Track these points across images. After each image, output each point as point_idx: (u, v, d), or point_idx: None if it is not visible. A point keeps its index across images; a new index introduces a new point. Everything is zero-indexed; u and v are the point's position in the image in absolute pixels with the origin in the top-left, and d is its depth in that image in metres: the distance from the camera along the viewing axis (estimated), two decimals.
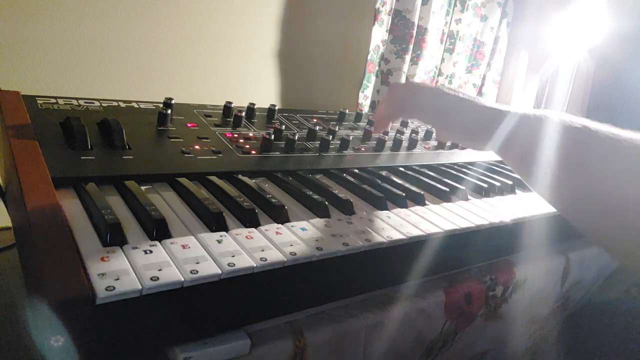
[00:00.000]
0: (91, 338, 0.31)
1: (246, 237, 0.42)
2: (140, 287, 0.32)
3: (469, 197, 0.64)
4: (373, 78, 1.31)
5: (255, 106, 0.74)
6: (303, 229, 0.46)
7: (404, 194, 0.58)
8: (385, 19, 1.27)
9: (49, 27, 0.86)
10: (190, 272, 0.35)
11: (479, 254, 0.60)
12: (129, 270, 0.34)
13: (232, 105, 0.72)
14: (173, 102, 0.66)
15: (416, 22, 1.30)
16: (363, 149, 0.73)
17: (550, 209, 0.66)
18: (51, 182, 0.42)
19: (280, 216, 0.47)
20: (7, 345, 0.45)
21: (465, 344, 0.64)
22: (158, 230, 0.40)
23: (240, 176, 0.55)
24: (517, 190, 0.71)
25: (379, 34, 1.27)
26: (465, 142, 0.57)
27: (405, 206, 0.57)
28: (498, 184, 0.70)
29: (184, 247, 0.38)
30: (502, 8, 1.52)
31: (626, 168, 0.39)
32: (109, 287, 0.31)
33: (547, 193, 0.46)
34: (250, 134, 0.67)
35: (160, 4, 0.98)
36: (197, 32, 1.04)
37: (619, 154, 0.40)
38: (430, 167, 0.74)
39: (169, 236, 0.40)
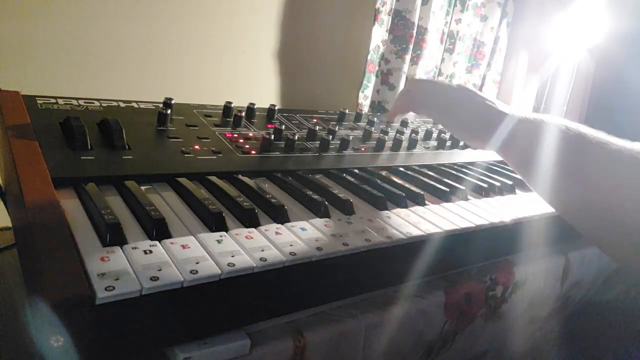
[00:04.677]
0: (91, 338, 0.31)
1: (246, 237, 0.42)
2: (140, 287, 0.32)
3: (469, 197, 0.64)
4: (373, 78, 1.31)
5: (255, 106, 0.74)
6: (303, 229, 0.46)
7: (404, 194, 0.58)
8: (385, 19, 1.27)
9: (49, 27, 0.86)
10: (190, 272, 0.35)
11: (479, 254, 0.60)
12: (129, 270, 0.34)
13: (232, 105, 0.72)
14: (173, 102, 0.66)
15: (416, 22, 1.30)
16: (363, 149, 0.73)
17: (550, 209, 0.66)
18: (51, 182, 0.42)
19: (280, 216, 0.47)
20: (7, 344, 0.45)
21: (465, 344, 0.64)
22: (158, 230, 0.40)
23: (240, 176, 0.55)
24: (517, 190, 0.71)
25: (379, 34, 1.27)
26: (467, 141, 0.59)
27: (405, 206, 0.57)
28: (498, 184, 0.70)
29: (183, 247, 0.38)
30: (502, 8, 1.52)
31: (620, 176, 0.41)
32: (108, 287, 0.31)
33: (546, 195, 0.48)
34: (250, 134, 0.67)
35: (160, 4, 0.98)
36: (197, 32, 1.04)
37: (613, 162, 0.42)
38: (430, 167, 0.74)
39: (168, 236, 0.40)
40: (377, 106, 1.34)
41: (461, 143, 0.88)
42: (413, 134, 0.80)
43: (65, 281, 0.30)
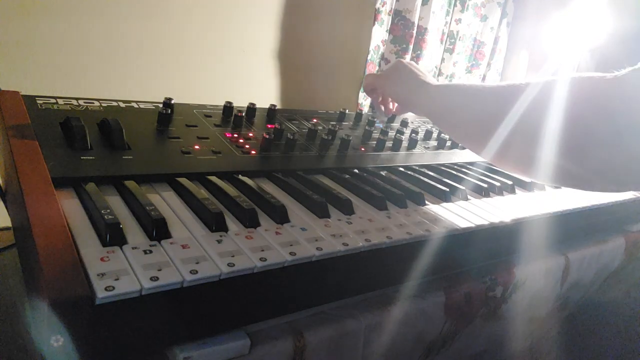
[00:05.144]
0: (91, 338, 0.31)
1: (246, 237, 0.42)
2: (139, 287, 0.32)
3: (469, 197, 0.64)
4: None
5: (255, 106, 0.74)
6: (303, 229, 0.46)
7: (403, 194, 0.58)
8: (385, 19, 1.27)
9: (49, 27, 0.86)
10: (190, 272, 0.35)
11: (479, 254, 0.60)
12: (129, 270, 0.34)
13: (232, 105, 0.72)
14: (173, 102, 0.66)
15: (416, 22, 1.30)
16: (363, 149, 0.73)
17: (550, 209, 0.66)
18: (51, 182, 0.42)
19: (280, 216, 0.47)
20: (7, 344, 0.45)
21: (465, 344, 0.64)
22: (158, 230, 0.40)
23: (240, 176, 0.55)
24: (517, 190, 0.71)
25: (379, 34, 1.27)
26: (401, 103, 0.77)
27: (405, 206, 0.57)
28: (498, 184, 0.70)
29: (183, 247, 0.38)
30: (502, 8, 1.52)
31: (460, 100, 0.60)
32: (108, 287, 0.31)
33: (443, 126, 0.67)
34: (250, 134, 0.67)
35: (161, 4, 0.98)
36: (197, 32, 1.04)
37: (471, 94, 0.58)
38: (430, 167, 0.74)
39: (168, 236, 0.40)
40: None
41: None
42: (413, 134, 0.80)
43: (65, 281, 0.30)
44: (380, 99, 0.85)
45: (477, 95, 0.57)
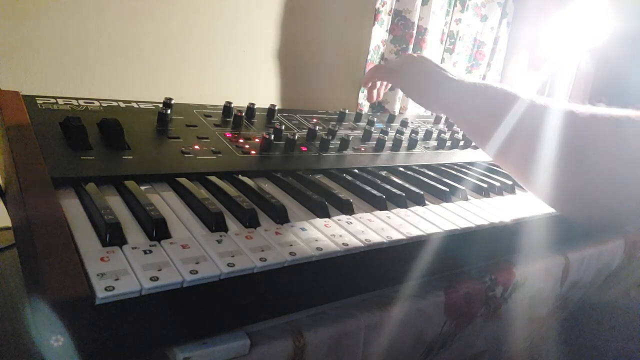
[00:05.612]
0: (91, 338, 0.31)
1: (246, 237, 0.42)
2: (139, 287, 0.32)
3: (469, 197, 0.64)
4: None
5: (255, 106, 0.74)
6: (303, 229, 0.46)
7: (403, 194, 0.58)
8: (385, 19, 1.27)
9: (49, 27, 0.86)
10: (190, 272, 0.35)
11: (479, 254, 0.60)
12: (129, 270, 0.34)
13: (232, 105, 0.72)
14: (173, 102, 0.66)
15: (416, 22, 1.30)
16: (363, 149, 0.73)
17: (550, 209, 0.66)
18: (51, 182, 0.42)
19: (280, 216, 0.47)
20: (7, 344, 0.45)
21: (465, 344, 0.64)
22: (158, 230, 0.40)
23: (240, 176, 0.55)
24: (517, 190, 0.71)
25: (379, 34, 1.27)
26: (424, 104, 0.65)
27: (405, 206, 0.57)
28: (498, 184, 0.70)
29: (183, 247, 0.38)
30: (502, 8, 1.52)
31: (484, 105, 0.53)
32: (108, 287, 0.31)
33: (472, 134, 0.57)
34: (250, 134, 0.67)
35: (161, 3, 0.98)
36: (197, 31, 1.04)
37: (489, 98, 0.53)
38: (430, 167, 0.74)
39: (168, 236, 0.40)
40: (377, 106, 1.34)
41: (461, 143, 0.88)
42: (413, 134, 0.80)
43: (65, 281, 0.30)
44: (376, 89, 0.82)
45: (486, 94, 0.56)
